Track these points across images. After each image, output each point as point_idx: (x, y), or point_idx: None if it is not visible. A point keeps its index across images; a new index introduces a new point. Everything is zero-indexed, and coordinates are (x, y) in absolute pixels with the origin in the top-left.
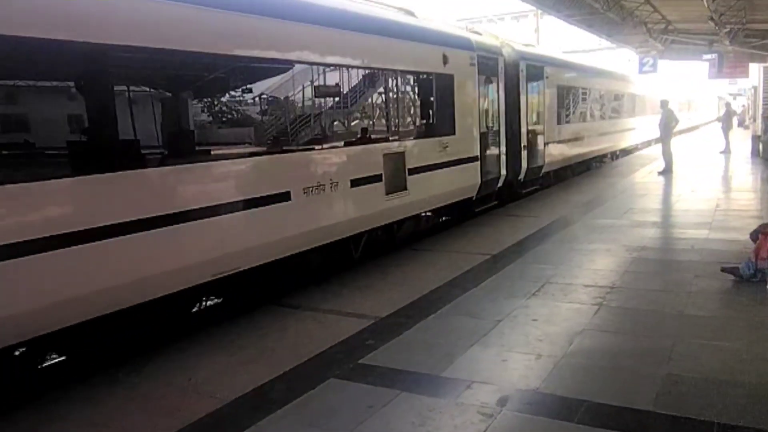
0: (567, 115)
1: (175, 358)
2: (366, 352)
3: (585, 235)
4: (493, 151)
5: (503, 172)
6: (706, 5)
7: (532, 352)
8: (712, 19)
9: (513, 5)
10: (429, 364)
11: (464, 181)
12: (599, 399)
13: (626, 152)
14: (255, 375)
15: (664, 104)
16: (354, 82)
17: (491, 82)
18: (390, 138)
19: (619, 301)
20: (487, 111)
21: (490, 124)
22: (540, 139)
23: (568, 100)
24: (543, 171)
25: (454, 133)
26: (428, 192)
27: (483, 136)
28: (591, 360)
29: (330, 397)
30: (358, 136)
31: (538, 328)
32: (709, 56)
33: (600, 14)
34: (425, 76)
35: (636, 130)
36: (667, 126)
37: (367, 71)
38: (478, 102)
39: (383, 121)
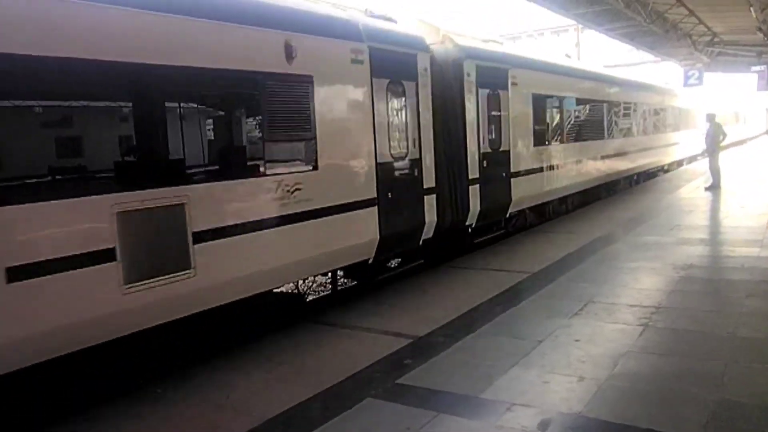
0: (550, 134)
1: (214, 374)
2: (403, 372)
3: (628, 252)
4: (407, 189)
5: (431, 218)
6: (754, 16)
7: (574, 374)
8: (760, 29)
9: (553, 20)
10: (468, 385)
11: (342, 240)
12: (646, 424)
13: (649, 176)
14: (292, 393)
15: (710, 118)
16: (53, 84)
17: (403, 89)
18: (138, 181)
19: (666, 322)
20: (394, 131)
21: (403, 151)
22: (504, 168)
23: (551, 114)
24: (510, 210)
25: (314, 167)
26: (249, 266)
27: (386, 169)
28: (636, 383)
29: (367, 417)
30: (37, 181)
31: (580, 349)
32: (757, 68)
33: (642, 27)
34: (242, 77)
35: (660, 148)
36: (715, 140)
37: (92, 67)
38: (372, 118)
39: (126, 151)
